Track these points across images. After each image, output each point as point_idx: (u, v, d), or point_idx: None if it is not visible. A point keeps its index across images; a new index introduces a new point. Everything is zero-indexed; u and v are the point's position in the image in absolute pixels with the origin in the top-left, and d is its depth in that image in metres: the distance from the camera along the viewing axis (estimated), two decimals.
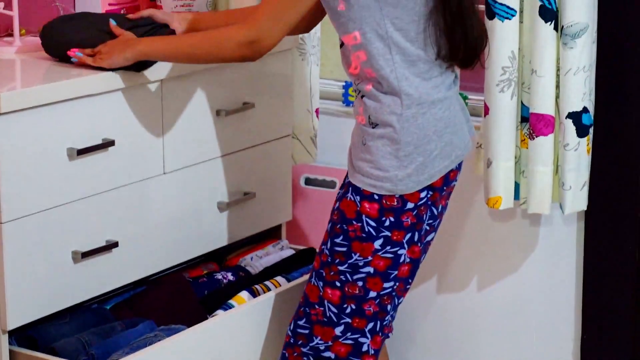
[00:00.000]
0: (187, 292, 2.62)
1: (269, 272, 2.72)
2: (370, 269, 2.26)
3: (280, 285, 2.62)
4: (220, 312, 2.51)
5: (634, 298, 2.82)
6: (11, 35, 2.63)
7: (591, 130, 2.68)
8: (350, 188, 2.27)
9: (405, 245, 2.27)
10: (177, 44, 2.38)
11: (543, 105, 2.66)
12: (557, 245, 2.89)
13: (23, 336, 2.37)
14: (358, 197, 2.25)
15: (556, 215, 2.84)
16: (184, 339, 2.31)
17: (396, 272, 2.28)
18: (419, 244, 2.30)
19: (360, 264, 2.27)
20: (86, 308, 2.50)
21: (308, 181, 3.15)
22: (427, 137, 2.25)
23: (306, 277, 2.59)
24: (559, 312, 2.92)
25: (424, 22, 2.23)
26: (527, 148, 2.71)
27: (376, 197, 2.24)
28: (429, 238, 2.36)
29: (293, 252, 2.86)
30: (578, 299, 2.89)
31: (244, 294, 2.56)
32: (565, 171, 2.67)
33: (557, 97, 2.67)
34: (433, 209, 2.32)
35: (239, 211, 2.76)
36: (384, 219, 2.25)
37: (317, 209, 3.05)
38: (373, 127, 2.25)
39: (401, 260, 2.27)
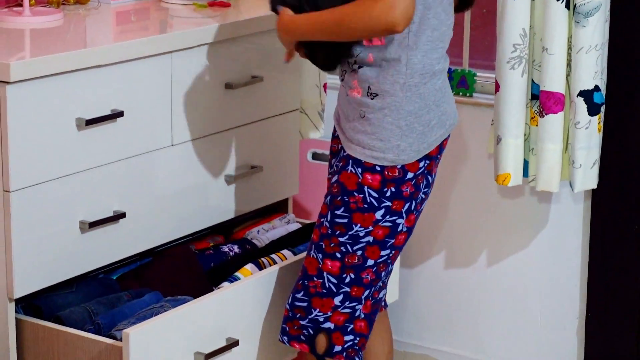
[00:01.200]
0: (194, 264, 2.63)
1: (275, 246, 2.72)
2: (370, 238, 2.29)
3: (286, 258, 2.62)
4: (226, 284, 2.51)
5: None
6: (21, 5, 2.62)
7: (602, 108, 2.68)
8: (351, 161, 2.27)
9: (404, 215, 2.29)
10: (311, 22, 2.25)
11: (554, 83, 2.67)
12: (564, 223, 2.90)
13: (29, 304, 2.38)
14: (360, 169, 2.26)
15: (564, 193, 2.85)
16: (190, 310, 2.32)
17: (393, 241, 2.31)
18: (415, 212, 2.32)
19: (362, 234, 2.28)
20: (93, 278, 2.51)
21: (315, 156, 3.16)
22: (427, 106, 2.26)
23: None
24: (564, 290, 2.94)
25: None
26: (536, 125, 2.72)
27: (378, 168, 2.25)
28: (422, 207, 2.38)
29: (299, 226, 2.87)
30: (584, 278, 2.90)
31: (250, 267, 2.56)
32: (576, 149, 2.68)
33: (568, 75, 2.68)
34: (429, 177, 2.34)
35: (246, 184, 2.76)
36: (385, 189, 2.26)
37: (324, 184, 3.05)
38: (372, 98, 2.25)
39: (399, 229, 2.30)
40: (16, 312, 2.33)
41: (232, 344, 2.38)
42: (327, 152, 3.03)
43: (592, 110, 2.66)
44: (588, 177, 2.71)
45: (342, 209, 2.29)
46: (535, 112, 2.72)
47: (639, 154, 2.77)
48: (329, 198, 2.32)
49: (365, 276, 2.31)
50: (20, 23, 2.55)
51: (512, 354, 3.02)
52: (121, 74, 2.42)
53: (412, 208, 2.30)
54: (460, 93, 2.93)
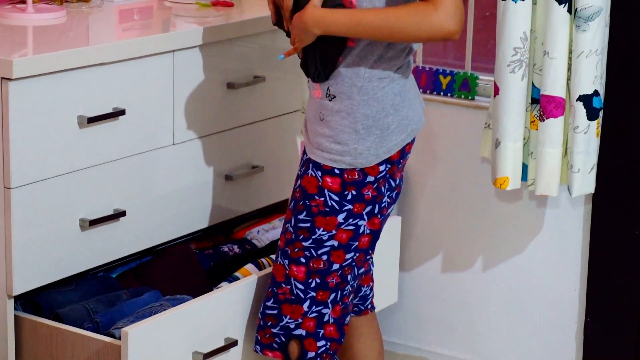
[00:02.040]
0: (193, 263, 2.64)
1: (275, 246, 2.70)
2: (334, 242, 2.29)
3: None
4: (225, 284, 2.52)
5: (639, 282, 2.83)
6: (24, 2, 2.61)
7: (601, 113, 2.68)
8: (311, 164, 2.28)
9: (365, 217, 2.30)
10: (354, 21, 2.20)
11: (554, 87, 2.66)
12: (563, 227, 2.89)
13: (28, 302, 2.38)
14: (319, 173, 2.27)
15: (563, 197, 2.85)
16: (189, 310, 2.32)
17: (357, 244, 2.31)
18: (379, 216, 2.32)
19: (325, 238, 2.29)
20: (92, 276, 2.51)
21: None
22: (385, 110, 2.26)
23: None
24: (563, 295, 2.93)
25: None
26: (536, 129, 2.72)
27: (337, 171, 2.26)
28: (389, 210, 2.37)
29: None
30: (583, 282, 2.90)
31: (249, 267, 2.57)
32: (574, 154, 2.67)
33: (568, 79, 2.67)
34: (391, 181, 2.34)
35: (246, 184, 2.76)
36: (346, 192, 2.27)
37: None
38: (330, 100, 2.25)
39: (361, 231, 2.30)
40: (15, 309, 2.33)
41: (231, 344, 2.38)
42: None
43: (591, 115, 2.66)
44: (586, 182, 2.71)
45: (304, 213, 2.29)
46: (536, 116, 2.72)
47: (637, 159, 2.77)
48: (292, 203, 2.33)
49: (331, 280, 2.32)
50: (23, 20, 2.54)
51: (511, 358, 3.01)
52: (123, 72, 2.42)
53: (376, 212, 2.31)
54: (462, 96, 2.93)
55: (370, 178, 2.27)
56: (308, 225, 2.29)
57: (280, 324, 2.35)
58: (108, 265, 2.55)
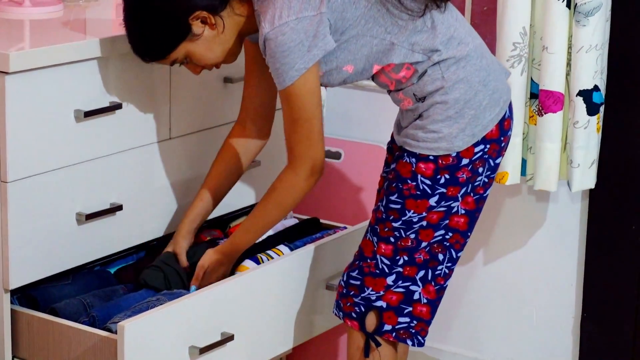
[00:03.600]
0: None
1: (272, 241, 2.72)
2: (424, 223, 2.31)
3: (283, 254, 2.62)
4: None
5: (636, 278, 2.85)
6: None
7: (601, 108, 2.70)
8: (406, 153, 2.30)
9: (460, 198, 2.31)
10: (256, 229, 2.47)
11: (553, 82, 2.68)
12: (562, 222, 2.91)
13: (24, 296, 2.38)
14: (414, 159, 2.29)
15: (562, 192, 2.87)
16: (186, 304, 2.31)
17: (447, 222, 2.32)
18: (472, 194, 2.32)
19: (415, 219, 2.31)
20: (89, 270, 2.51)
21: None
22: (474, 88, 2.27)
23: (310, 246, 2.62)
24: (560, 290, 2.95)
25: (379, 8, 2.25)
26: (535, 125, 2.74)
27: (431, 157, 2.27)
28: (487, 193, 2.37)
29: (296, 221, 2.87)
30: (580, 278, 2.92)
31: (247, 263, 2.57)
32: (574, 149, 2.69)
33: (567, 74, 2.69)
34: (490, 161, 2.33)
35: (243, 179, 2.75)
36: (439, 177, 2.28)
37: (321, 180, 3.05)
38: (422, 101, 2.28)
39: (453, 211, 2.31)
40: (11, 302, 2.32)
41: (227, 338, 2.38)
42: (325, 148, 3.02)
43: (591, 110, 2.67)
44: (586, 177, 2.73)
45: (396, 195, 2.31)
46: (534, 111, 2.74)
47: (637, 155, 2.78)
48: (386, 184, 2.37)
49: (418, 256, 2.33)
50: (20, 14, 2.54)
51: (508, 352, 3.03)
52: (120, 66, 2.42)
53: (469, 190, 2.31)
54: None
55: (465, 161, 2.28)
56: (399, 207, 2.31)
57: (362, 295, 2.37)
58: (105, 260, 2.56)
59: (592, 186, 2.75)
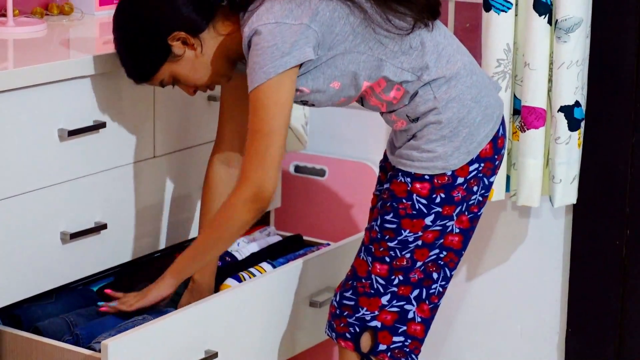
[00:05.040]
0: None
1: (255, 258, 2.72)
2: (419, 242, 2.30)
3: (265, 272, 2.63)
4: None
5: (620, 293, 2.85)
6: (4, 15, 2.62)
7: (582, 124, 2.70)
8: (400, 172, 2.30)
9: (455, 217, 2.31)
10: (201, 256, 2.39)
11: (535, 98, 2.68)
12: (545, 237, 2.92)
13: (8, 315, 2.37)
14: (409, 179, 2.28)
15: (545, 208, 2.87)
16: (170, 322, 2.31)
17: (442, 241, 2.32)
18: (466, 213, 2.32)
19: (411, 239, 2.30)
20: (72, 289, 2.51)
21: (297, 169, 3.17)
22: (467, 106, 2.27)
23: (293, 263, 2.62)
24: (545, 305, 2.95)
25: (368, 24, 2.24)
26: (518, 140, 2.74)
27: (427, 177, 2.27)
28: (481, 212, 2.37)
29: (280, 238, 2.88)
30: (564, 292, 2.92)
31: (229, 281, 2.57)
32: (556, 164, 2.69)
33: (549, 90, 2.69)
34: (485, 179, 2.33)
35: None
36: (434, 196, 2.28)
37: (305, 197, 3.06)
38: (416, 122, 2.28)
39: (448, 230, 2.31)
40: None
41: (211, 356, 2.38)
42: (310, 165, 3.05)
43: (573, 125, 2.67)
44: (568, 192, 2.73)
45: (391, 214, 2.30)
46: (517, 127, 2.74)
47: (618, 170, 2.79)
48: (380, 203, 2.35)
49: (413, 275, 2.32)
50: (3, 33, 2.55)
51: None
52: (104, 85, 2.42)
53: (464, 209, 2.31)
54: None
55: (460, 180, 2.28)
56: (394, 226, 2.30)
57: (356, 315, 2.36)
58: (88, 279, 2.56)
59: (574, 201, 2.75)
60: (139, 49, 2.31)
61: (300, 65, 2.21)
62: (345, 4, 2.22)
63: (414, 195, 2.28)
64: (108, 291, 2.46)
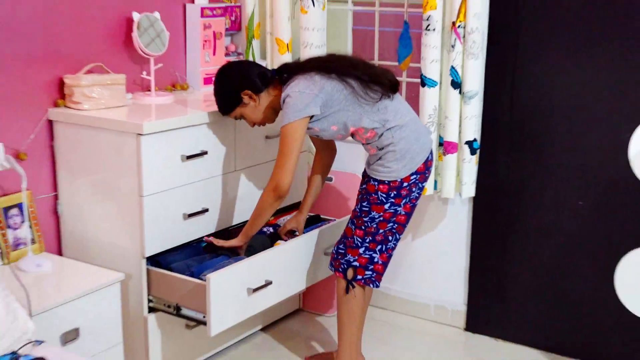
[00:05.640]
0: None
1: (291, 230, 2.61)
2: (381, 218, 2.25)
3: (300, 235, 2.56)
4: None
5: (500, 249, 2.77)
6: (149, 90, 2.64)
7: (478, 151, 2.69)
8: (371, 179, 2.25)
9: (400, 206, 2.25)
10: (254, 223, 2.32)
11: (451, 136, 2.66)
12: (457, 216, 2.87)
13: (153, 260, 2.35)
14: (376, 183, 2.24)
15: (457, 199, 2.84)
16: (245, 264, 2.28)
17: (395, 218, 2.26)
18: (409, 204, 2.27)
19: (376, 217, 2.25)
20: (189, 245, 2.47)
21: None
22: (410, 143, 2.22)
23: (315, 230, 2.56)
24: (456, 254, 2.88)
25: (354, 95, 2.19)
26: (442, 160, 2.72)
27: (386, 182, 2.22)
28: (417, 202, 2.31)
29: (307, 216, 2.69)
30: (467, 245, 2.85)
31: (280, 242, 2.50)
32: (463, 174, 2.68)
33: (459, 132, 2.67)
34: (420, 184, 2.28)
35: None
36: (390, 193, 2.23)
37: (323, 193, 2.92)
38: (381, 150, 2.24)
39: (398, 212, 2.26)
40: (147, 264, 2.32)
41: (268, 283, 2.35)
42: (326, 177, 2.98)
43: (472, 152, 2.67)
44: (469, 190, 2.71)
45: (365, 203, 2.26)
46: (441, 152, 2.71)
47: (499, 177, 2.74)
48: (359, 196, 2.29)
49: (377, 238, 2.27)
50: (149, 101, 2.55)
51: (425, 290, 2.92)
52: (206, 129, 2.41)
53: (407, 201, 2.25)
54: None
55: (405, 184, 2.22)
56: (367, 209, 2.25)
57: (345, 259, 2.31)
58: (197, 240, 2.49)
59: (473, 195, 2.71)
60: (225, 96, 2.29)
61: (312, 117, 2.18)
62: (341, 83, 2.19)
63: (379, 192, 2.24)
64: (208, 239, 2.42)
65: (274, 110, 2.30)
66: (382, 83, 2.20)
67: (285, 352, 2.64)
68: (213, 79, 2.35)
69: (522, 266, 2.72)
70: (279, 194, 2.17)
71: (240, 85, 2.24)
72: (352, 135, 2.29)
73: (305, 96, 2.15)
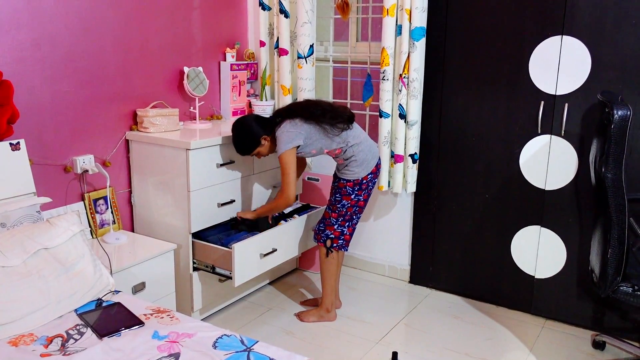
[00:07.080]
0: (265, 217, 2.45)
1: (292, 212, 2.57)
2: (348, 204, 2.27)
3: (296, 217, 2.50)
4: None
5: (432, 228, 2.72)
6: (195, 119, 2.59)
7: (418, 161, 2.65)
8: (341, 179, 2.27)
9: (361, 196, 2.27)
10: (267, 212, 2.31)
11: (399, 150, 2.61)
12: (403, 206, 2.81)
13: (196, 234, 2.31)
14: (344, 180, 2.26)
15: (403, 193, 2.77)
16: (259, 236, 2.27)
17: (358, 204, 2.28)
18: (366, 194, 2.29)
19: (346, 204, 2.27)
20: (220, 224, 2.40)
21: (308, 178, 2.88)
22: (365, 154, 2.25)
23: (306, 214, 2.51)
24: (402, 230, 2.82)
25: (324, 131, 2.20)
26: (393, 167, 2.66)
27: (351, 180, 2.25)
28: (371, 192, 2.30)
29: (300, 204, 2.69)
30: (410, 226, 2.80)
31: (282, 222, 2.46)
32: (408, 176, 2.64)
33: (405, 148, 2.62)
34: (374, 180, 2.29)
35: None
36: (355, 187, 2.25)
37: (311, 190, 2.88)
38: (346, 160, 2.27)
39: (359, 200, 2.28)
40: (192, 238, 2.29)
41: (274, 250, 2.34)
42: (313, 177, 2.99)
43: (414, 161, 2.62)
44: (412, 187, 2.65)
45: (338, 194, 2.28)
46: (393, 162, 2.64)
47: (432, 178, 2.69)
48: (332, 190, 2.30)
49: (346, 217, 2.29)
50: (194, 126, 2.49)
51: (379, 253, 2.83)
52: (230, 147, 2.31)
53: (364, 192, 2.27)
54: None
55: (364, 181, 2.25)
56: (339, 199, 2.27)
57: (325, 233, 2.31)
58: (227, 222, 2.42)
59: (414, 190, 2.65)
60: (248, 142, 2.26)
61: (298, 147, 2.22)
62: (316, 125, 2.22)
63: (347, 187, 2.26)
64: (239, 213, 2.37)
65: (273, 145, 2.30)
66: (342, 118, 2.24)
67: (286, 298, 2.62)
68: (232, 128, 2.29)
69: (447, 238, 2.69)
70: (287, 202, 2.21)
71: (259, 133, 2.25)
72: (327, 153, 2.31)
73: (292, 134, 2.18)
